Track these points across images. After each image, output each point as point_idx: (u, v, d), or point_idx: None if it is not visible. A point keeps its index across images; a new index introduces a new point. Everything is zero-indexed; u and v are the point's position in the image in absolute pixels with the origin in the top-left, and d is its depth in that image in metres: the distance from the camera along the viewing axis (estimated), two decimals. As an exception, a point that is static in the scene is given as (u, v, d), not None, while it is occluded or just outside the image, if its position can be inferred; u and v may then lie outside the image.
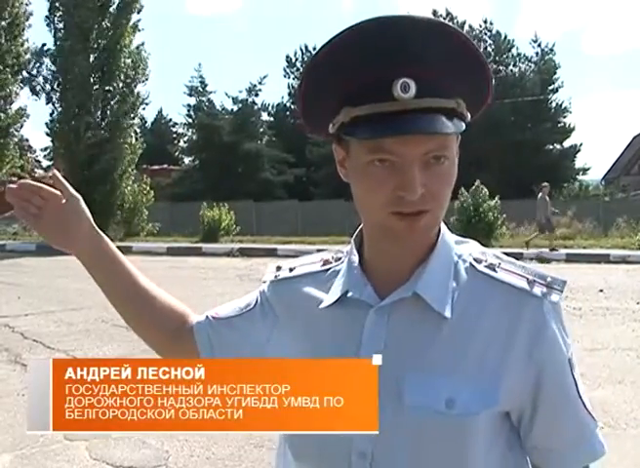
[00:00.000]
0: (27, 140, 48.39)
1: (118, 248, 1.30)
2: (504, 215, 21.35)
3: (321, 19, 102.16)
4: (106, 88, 26.50)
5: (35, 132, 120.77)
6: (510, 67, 41.32)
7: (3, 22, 26.16)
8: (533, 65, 41.13)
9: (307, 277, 1.23)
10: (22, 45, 26.97)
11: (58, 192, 1.24)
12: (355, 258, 1.17)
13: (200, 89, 41.55)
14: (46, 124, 26.71)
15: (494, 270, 1.10)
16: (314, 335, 1.16)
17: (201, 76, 41.89)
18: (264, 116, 44.91)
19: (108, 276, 1.29)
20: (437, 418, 1.03)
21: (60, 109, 26.42)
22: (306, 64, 1.09)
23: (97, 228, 1.29)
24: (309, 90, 1.09)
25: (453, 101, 1.04)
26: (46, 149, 53.17)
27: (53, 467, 4.56)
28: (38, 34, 67.89)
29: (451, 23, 1.03)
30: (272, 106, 45.61)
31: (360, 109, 1.04)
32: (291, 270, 1.26)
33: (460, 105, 1.04)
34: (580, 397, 1.09)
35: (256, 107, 42.90)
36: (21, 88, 27.40)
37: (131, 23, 26.81)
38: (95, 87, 26.28)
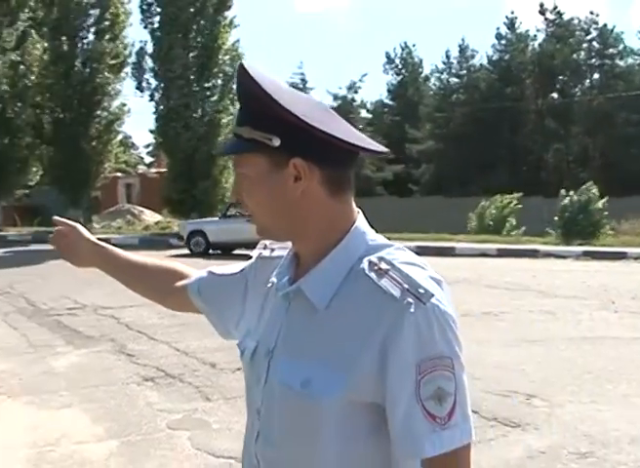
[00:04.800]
0: (130, 137, 50.15)
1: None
2: (606, 213, 20.73)
3: (424, 16, 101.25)
4: (205, 85, 27.03)
5: (138, 130, 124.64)
6: (617, 61, 39.88)
7: (104, 24, 27.06)
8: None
9: (279, 260, 1.40)
10: (123, 43, 27.82)
11: (62, 229, 1.73)
12: (291, 247, 1.35)
13: (300, 85, 41.93)
14: (156, 119, 27.52)
15: (380, 275, 1.19)
16: (262, 311, 1.38)
17: (302, 73, 42.32)
18: (363, 113, 44.93)
19: (115, 273, 1.70)
20: (293, 395, 1.21)
21: (162, 106, 27.08)
22: None
23: (97, 242, 1.71)
24: None
25: (243, 129, 1.23)
26: (148, 146, 55.00)
27: (156, 454, 4.71)
28: (137, 31, 70.08)
29: (249, 67, 1.20)
30: (370, 103, 45.62)
31: None
32: (272, 251, 1.45)
33: (246, 131, 1.22)
34: (421, 401, 1.14)
35: (355, 104, 42.95)
36: (121, 85, 28.19)
37: (227, 21, 27.31)
38: (195, 84, 26.84)
